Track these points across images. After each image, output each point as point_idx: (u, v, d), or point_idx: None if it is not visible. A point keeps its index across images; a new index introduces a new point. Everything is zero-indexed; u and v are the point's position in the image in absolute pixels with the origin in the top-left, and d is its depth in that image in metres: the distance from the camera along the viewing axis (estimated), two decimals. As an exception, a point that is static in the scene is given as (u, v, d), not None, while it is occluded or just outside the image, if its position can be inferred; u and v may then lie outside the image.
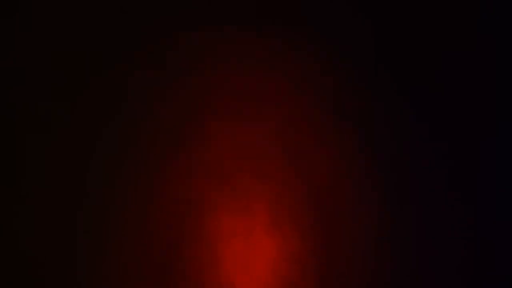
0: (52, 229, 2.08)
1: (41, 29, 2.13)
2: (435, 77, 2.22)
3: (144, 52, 2.16)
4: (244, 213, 2.15)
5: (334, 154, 2.18)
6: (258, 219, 2.15)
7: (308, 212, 2.16)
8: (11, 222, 2.07)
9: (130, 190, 2.12)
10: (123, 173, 2.13)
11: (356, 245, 2.16)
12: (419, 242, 2.17)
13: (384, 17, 2.22)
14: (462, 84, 2.22)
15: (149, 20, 2.16)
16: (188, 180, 2.14)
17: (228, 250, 2.13)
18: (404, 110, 2.21)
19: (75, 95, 2.13)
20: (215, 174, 2.15)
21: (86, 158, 2.12)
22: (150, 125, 2.15)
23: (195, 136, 2.16)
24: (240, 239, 2.14)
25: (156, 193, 2.13)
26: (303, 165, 2.17)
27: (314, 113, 2.19)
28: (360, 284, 2.15)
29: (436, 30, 2.22)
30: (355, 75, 2.20)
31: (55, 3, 2.14)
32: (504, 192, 2.19)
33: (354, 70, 2.20)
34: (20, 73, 2.11)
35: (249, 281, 2.13)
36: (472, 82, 2.22)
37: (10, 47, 2.11)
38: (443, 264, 2.17)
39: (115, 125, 2.14)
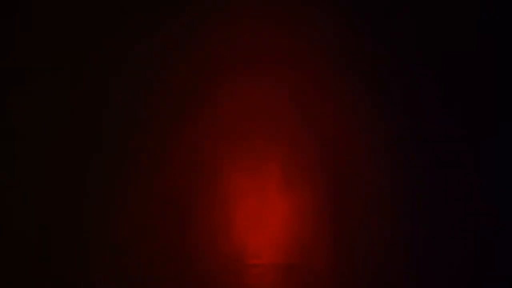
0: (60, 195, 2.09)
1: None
2: (451, 31, 2.20)
3: (152, 14, 2.15)
4: (257, 173, 2.15)
5: (347, 113, 2.18)
6: (271, 179, 2.16)
7: (322, 172, 2.16)
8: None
9: (141, 152, 2.14)
10: (134, 136, 2.14)
11: (370, 204, 2.16)
12: (435, 201, 2.16)
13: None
14: (481, 41, 2.21)
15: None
16: (200, 141, 2.15)
17: (241, 210, 2.14)
18: (418, 67, 2.19)
19: (80, 63, 2.13)
20: (227, 135, 2.16)
21: (97, 118, 2.13)
22: (161, 87, 2.16)
23: (207, 98, 2.16)
24: (252, 199, 2.15)
25: (168, 155, 2.14)
26: (316, 125, 2.17)
27: (326, 73, 2.18)
28: (374, 242, 2.15)
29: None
30: (368, 32, 2.19)
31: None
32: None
33: (367, 28, 2.19)
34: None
35: (262, 240, 2.13)
36: (493, 42, 2.21)
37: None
38: (461, 224, 2.15)
39: (125, 88, 2.15)
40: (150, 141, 2.14)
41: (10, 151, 2.09)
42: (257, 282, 2.12)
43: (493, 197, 2.17)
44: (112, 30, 2.16)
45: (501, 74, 2.21)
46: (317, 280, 2.13)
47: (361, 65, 2.19)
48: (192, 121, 2.16)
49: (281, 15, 2.19)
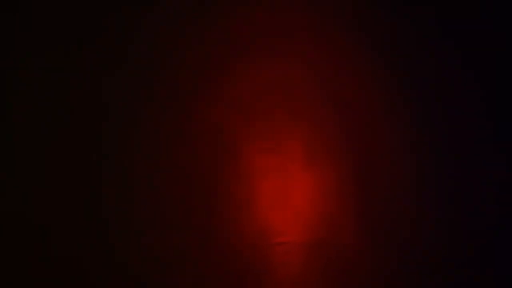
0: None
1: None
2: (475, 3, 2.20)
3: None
4: (278, 152, 2.14)
5: (368, 89, 2.17)
6: (293, 157, 2.15)
7: (343, 148, 2.16)
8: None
9: (160, 135, 2.12)
10: (152, 118, 2.12)
11: (393, 178, 2.16)
12: (460, 177, 2.17)
13: None
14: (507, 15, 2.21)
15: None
16: (220, 122, 2.14)
17: (264, 188, 2.13)
18: (440, 40, 2.19)
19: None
20: (247, 115, 2.15)
21: (113, 99, 2.11)
22: (177, 67, 2.14)
23: (225, 77, 2.15)
24: (275, 177, 2.14)
25: (187, 137, 2.12)
26: (336, 102, 2.17)
27: (348, 47, 2.18)
28: (398, 216, 2.15)
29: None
30: (387, 6, 2.19)
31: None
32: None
33: (386, 1, 2.19)
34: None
35: (286, 218, 2.13)
36: None
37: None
38: (485, 198, 2.16)
39: (141, 68, 2.13)
40: (168, 123, 2.13)
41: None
42: (283, 260, 2.12)
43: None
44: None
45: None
46: (343, 256, 2.13)
47: (381, 39, 2.19)
48: (212, 101, 2.14)
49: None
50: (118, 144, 2.10)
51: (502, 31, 2.21)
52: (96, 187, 2.08)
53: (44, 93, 2.09)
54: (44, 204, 2.06)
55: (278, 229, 2.13)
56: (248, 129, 2.15)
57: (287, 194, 2.14)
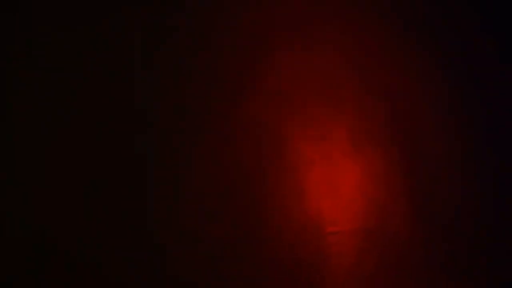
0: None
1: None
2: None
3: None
4: (323, 141, 2.11)
5: (408, 73, 2.17)
6: (338, 145, 2.12)
7: (388, 133, 2.14)
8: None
9: (203, 129, 2.07)
10: (194, 113, 2.07)
11: (440, 162, 2.15)
12: (504, 159, 2.17)
13: None
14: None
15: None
16: (262, 112, 2.10)
17: (311, 178, 2.10)
18: (476, 23, 2.20)
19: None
20: (289, 104, 2.11)
21: (155, 92, 2.06)
22: (218, 58, 2.10)
23: (265, 67, 2.12)
24: (322, 166, 2.10)
25: (230, 129, 2.08)
26: (378, 87, 2.15)
27: (382, 34, 2.17)
28: (447, 202, 2.14)
29: None
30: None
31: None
32: None
33: None
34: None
35: (336, 207, 2.09)
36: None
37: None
38: None
39: (180, 61, 2.08)
40: (210, 119, 2.09)
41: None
42: (337, 249, 2.08)
43: None
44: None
45: None
46: (395, 241, 2.11)
47: (423, 24, 2.19)
48: (252, 93, 2.11)
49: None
50: (160, 144, 2.05)
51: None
52: (142, 190, 2.03)
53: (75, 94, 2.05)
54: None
55: (329, 218, 2.10)
56: (292, 119, 2.12)
57: (336, 182, 2.12)
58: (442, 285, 2.12)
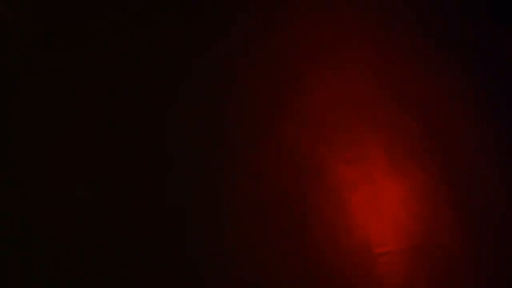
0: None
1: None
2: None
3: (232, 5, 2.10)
4: (363, 162, 2.10)
5: (441, 90, 2.16)
6: (377, 164, 2.10)
7: (428, 150, 2.12)
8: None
9: (237, 155, 2.05)
10: (227, 137, 2.06)
11: (481, 174, 2.13)
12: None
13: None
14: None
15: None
16: (300, 136, 2.09)
17: (355, 200, 2.07)
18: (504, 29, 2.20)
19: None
20: (325, 127, 2.10)
21: (183, 115, 2.03)
22: (251, 81, 2.09)
23: (298, 90, 2.11)
24: (364, 188, 2.08)
25: (268, 156, 2.06)
26: (414, 105, 2.14)
27: (416, 52, 2.16)
28: (493, 213, 2.11)
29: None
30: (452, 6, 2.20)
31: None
32: None
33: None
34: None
35: (383, 227, 2.06)
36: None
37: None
38: None
39: (214, 83, 2.08)
40: (247, 147, 2.07)
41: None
42: (387, 269, 2.05)
43: None
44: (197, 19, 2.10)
45: None
46: (445, 257, 2.08)
47: (449, 39, 2.19)
48: (286, 118, 2.10)
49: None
50: (195, 171, 2.03)
51: None
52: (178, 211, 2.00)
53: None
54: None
55: (376, 239, 2.07)
56: (329, 142, 2.11)
57: (379, 202, 2.09)
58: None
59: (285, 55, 2.13)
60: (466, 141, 2.15)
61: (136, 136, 2.05)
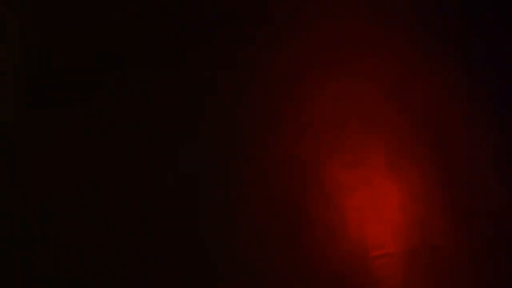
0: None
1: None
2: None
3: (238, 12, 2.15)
4: (361, 165, 2.14)
5: (441, 94, 2.18)
6: (376, 169, 2.14)
7: (427, 153, 2.15)
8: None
9: (240, 157, 2.11)
10: (230, 139, 2.13)
11: (478, 177, 2.15)
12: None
13: None
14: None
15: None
16: (300, 140, 2.14)
17: (352, 203, 2.12)
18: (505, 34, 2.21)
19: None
20: (326, 131, 2.15)
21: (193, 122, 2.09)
22: (254, 86, 2.15)
23: (299, 96, 2.16)
24: (362, 191, 2.13)
25: (268, 158, 2.12)
26: (414, 110, 2.17)
27: (417, 58, 2.19)
28: (490, 214, 2.13)
29: None
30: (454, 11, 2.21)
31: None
32: None
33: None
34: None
35: (380, 230, 2.11)
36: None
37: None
38: None
39: (220, 90, 2.13)
40: (247, 149, 2.12)
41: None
42: (384, 272, 2.09)
43: None
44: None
45: None
46: (442, 259, 2.11)
47: (450, 43, 2.21)
48: (288, 122, 2.14)
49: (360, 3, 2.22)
50: (210, 180, 2.09)
51: None
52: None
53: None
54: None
55: (374, 242, 2.11)
56: (329, 147, 2.14)
57: (377, 206, 2.13)
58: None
59: (285, 62, 2.17)
60: (465, 145, 2.17)
61: (137, 135, 2.11)
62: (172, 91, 2.14)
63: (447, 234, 2.12)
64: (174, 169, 2.10)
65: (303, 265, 2.07)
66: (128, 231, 2.03)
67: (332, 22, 2.20)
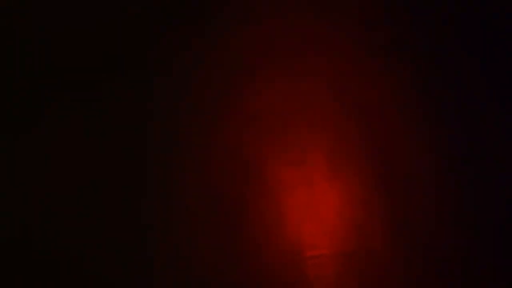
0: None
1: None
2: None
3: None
4: (303, 165, 2.13)
5: (388, 98, 2.17)
6: (317, 169, 2.14)
7: (367, 157, 2.15)
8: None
9: (184, 152, 2.12)
10: (176, 135, 2.13)
11: (418, 183, 2.14)
12: (480, 179, 2.15)
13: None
14: None
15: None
16: (242, 137, 2.14)
17: (291, 202, 2.12)
18: (457, 42, 2.20)
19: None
20: (269, 129, 2.15)
21: (140, 122, 2.11)
22: (198, 84, 2.15)
23: (243, 92, 2.16)
24: (301, 190, 2.13)
25: (211, 153, 2.12)
26: (358, 112, 2.17)
27: (364, 60, 2.18)
28: (426, 220, 2.13)
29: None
30: (413, 27, 2.20)
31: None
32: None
33: (412, 24, 2.20)
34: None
35: (316, 231, 2.11)
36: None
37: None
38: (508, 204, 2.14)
39: (165, 90, 2.14)
40: (191, 139, 2.13)
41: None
42: (317, 272, 2.09)
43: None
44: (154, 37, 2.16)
45: None
46: (376, 263, 2.11)
47: (397, 45, 2.20)
48: (231, 119, 2.14)
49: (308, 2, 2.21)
50: (152, 168, 2.10)
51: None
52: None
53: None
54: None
55: (309, 242, 2.11)
56: (271, 144, 2.14)
57: (315, 206, 2.13)
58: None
59: (233, 60, 2.17)
60: (406, 150, 2.16)
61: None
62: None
63: (383, 239, 2.12)
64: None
65: (238, 261, 2.08)
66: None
67: (279, 20, 2.19)
